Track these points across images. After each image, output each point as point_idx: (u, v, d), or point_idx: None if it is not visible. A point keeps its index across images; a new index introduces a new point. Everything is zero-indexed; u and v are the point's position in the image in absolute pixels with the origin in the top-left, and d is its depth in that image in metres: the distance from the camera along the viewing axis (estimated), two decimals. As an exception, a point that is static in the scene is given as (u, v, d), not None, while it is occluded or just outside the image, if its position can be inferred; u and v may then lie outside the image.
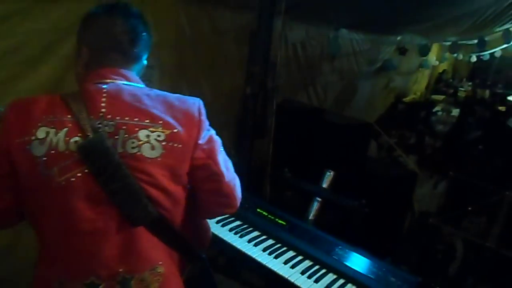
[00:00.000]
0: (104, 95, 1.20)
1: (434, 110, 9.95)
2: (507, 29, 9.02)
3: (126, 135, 1.17)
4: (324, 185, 2.69)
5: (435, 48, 10.07)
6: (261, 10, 3.34)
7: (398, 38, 7.59)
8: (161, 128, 1.19)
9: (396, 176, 3.65)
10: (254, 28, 3.43)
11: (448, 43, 9.52)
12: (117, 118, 1.18)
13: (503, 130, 8.99)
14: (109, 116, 1.18)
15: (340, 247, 2.30)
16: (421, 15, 5.72)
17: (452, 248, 4.18)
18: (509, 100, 12.41)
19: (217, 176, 1.29)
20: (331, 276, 2.15)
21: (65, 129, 1.15)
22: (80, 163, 1.15)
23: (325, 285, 2.08)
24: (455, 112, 9.87)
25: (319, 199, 2.66)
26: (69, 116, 1.17)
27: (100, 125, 1.17)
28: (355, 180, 2.95)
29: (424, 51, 8.67)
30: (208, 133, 1.29)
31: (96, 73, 1.27)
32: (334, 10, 4.51)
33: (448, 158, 6.24)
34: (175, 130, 1.20)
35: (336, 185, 2.71)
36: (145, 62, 1.39)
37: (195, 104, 1.29)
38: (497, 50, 10.56)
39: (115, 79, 1.26)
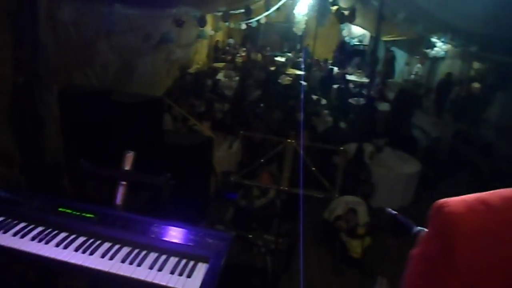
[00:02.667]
0: None
1: (217, 77, 10.61)
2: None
3: None
4: (127, 167, 2.60)
5: (210, 19, 10.59)
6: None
7: (174, 11, 7.70)
8: None
9: (194, 144, 3.79)
10: (14, 9, 2.98)
11: (220, 13, 10.14)
12: None
13: (276, 87, 10.23)
14: None
15: (155, 224, 2.28)
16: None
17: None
18: (278, 61, 14.13)
19: None
20: (152, 256, 2.14)
21: None
22: None
23: (148, 265, 2.06)
24: (236, 76, 10.74)
25: (124, 183, 2.57)
26: None
27: None
28: (157, 155, 2.95)
29: (202, 22, 9.03)
30: None
31: None
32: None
33: (236, 119, 6.79)
34: None
35: (138, 164, 2.65)
36: None
37: None
38: (262, 17, 11.80)
39: None
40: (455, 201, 0.76)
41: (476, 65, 11.71)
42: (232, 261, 3.59)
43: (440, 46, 11.06)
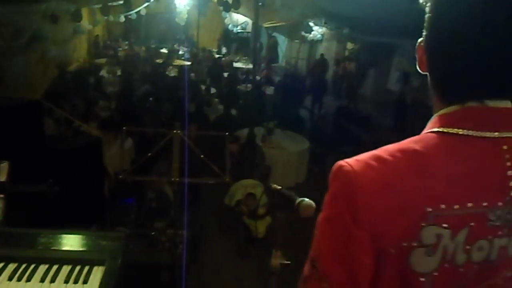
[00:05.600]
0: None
1: (100, 74, 10.10)
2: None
3: None
4: (2, 179, 2.39)
5: (86, 12, 9.97)
6: None
7: (44, 5, 7.12)
8: None
9: (81, 146, 3.62)
10: None
11: (98, 6, 9.59)
12: None
13: (164, 79, 10.07)
14: None
15: (42, 235, 2.15)
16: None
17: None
18: (163, 53, 13.85)
19: None
20: (43, 268, 2.00)
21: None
22: None
23: (39, 279, 1.94)
24: (120, 72, 10.32)
25: (1, 196, 2.37)
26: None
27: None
28: (38, 162, 2.77)
29: (77, 16, 8.46)
30: None
31: None
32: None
33: (125, 116, 6.55)
34: None
35: (17, 174, 2.46)
36: None
37: None
38: (142, 9, 11.42)
39: None
40: (352, 160, 0.79)
41: (350, 45, 12.70)
42: (137, 261, 3.53)
43: (317, 30, 11.77)
